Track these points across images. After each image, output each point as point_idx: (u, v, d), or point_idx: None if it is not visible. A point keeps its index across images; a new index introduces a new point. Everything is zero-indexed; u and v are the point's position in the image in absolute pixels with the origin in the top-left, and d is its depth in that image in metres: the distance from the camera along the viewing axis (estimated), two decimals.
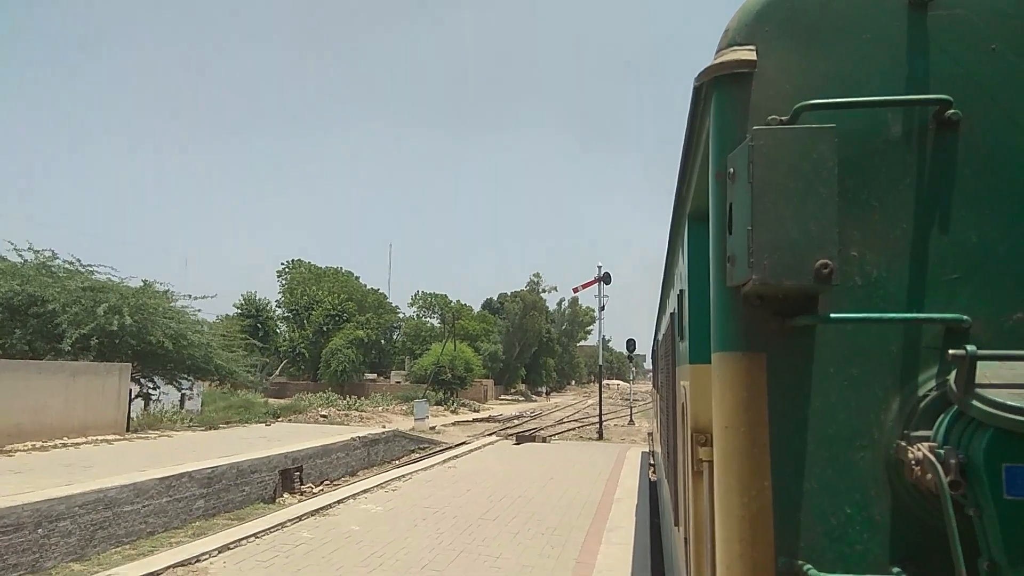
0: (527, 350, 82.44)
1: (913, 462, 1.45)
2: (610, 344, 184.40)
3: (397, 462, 21.67)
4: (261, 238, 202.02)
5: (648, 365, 61.61)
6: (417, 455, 23.23)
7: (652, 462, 18.71)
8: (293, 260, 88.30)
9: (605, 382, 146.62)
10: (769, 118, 1.61)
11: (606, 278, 30.66)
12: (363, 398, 57.30)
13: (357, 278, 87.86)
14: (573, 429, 35.95)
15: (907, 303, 1.59)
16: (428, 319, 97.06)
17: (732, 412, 1.62)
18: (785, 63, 1.66)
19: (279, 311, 78.58)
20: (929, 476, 1.39)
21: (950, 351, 1.48)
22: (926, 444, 1.46)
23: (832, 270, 1.43)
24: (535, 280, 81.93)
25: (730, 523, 1.61)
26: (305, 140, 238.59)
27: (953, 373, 1.48)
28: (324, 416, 39.50)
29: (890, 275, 1.61)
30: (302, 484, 15.79)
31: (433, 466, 17.42)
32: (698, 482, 2.56)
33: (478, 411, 54.92)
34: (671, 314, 4.42)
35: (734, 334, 1.64)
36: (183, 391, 40.45)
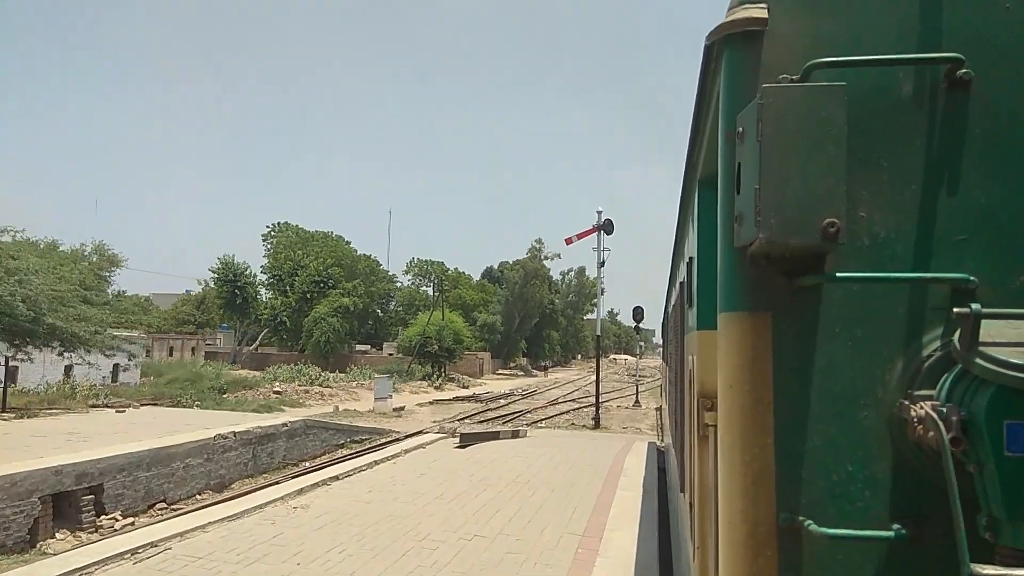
0: (527, 322, 76.66)
1: (915, 420, 1.46)
2: (618, 317, 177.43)
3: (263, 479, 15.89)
4: (254, 204, 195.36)
5: (658, 340, 57.12)
6: (325, 460, 17.50)
7: (664, 464, 12.96)
8: (279, 223, 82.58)
9: (612, 356, 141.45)
10: (780, 77, 1.57)
11: (607, 226, 24.65)
12: (341, 372, 52.07)
13: (348, 243, 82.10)
14: (566, 413, 30.23)
15: (914, 264, 1.60)
16: (424, 287, 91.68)
17: (736, 371, 1.64)
18: (796, 21, 1.65)
19: (263, 277, 73.04)
20: (931, 434, 1.40)
21: (955, 309, 1.47)
22: (928, 402, 1.46)
23: (839, 229, 1.43)
24: (536, 247, 75.74)
25: (732, 480, 1.63)
26: (302, 100, 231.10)
27: (957, 332, 1.48)
28: (278, 393, 34.07)
29: (898, 236, 1.61)
30: (99, 515, 10.20)
31: (271, 503, 10.19)
32: (704, 446, 2.67)
33: (467, 387, 49.47)
34: (681, 283, 4.48)
35: (740, 294, 1.65)
36: (116, 361, 35.23)
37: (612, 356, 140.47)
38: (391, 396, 28.12)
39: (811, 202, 1.43)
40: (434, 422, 23.58)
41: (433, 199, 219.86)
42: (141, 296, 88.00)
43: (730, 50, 1.70)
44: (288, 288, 70.42)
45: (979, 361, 1.38)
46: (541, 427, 24.31)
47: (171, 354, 60.91)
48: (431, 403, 33.64)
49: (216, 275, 67.14)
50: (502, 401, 35.63)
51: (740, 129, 1.58)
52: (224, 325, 71.98)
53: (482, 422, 24.20)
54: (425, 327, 51.59)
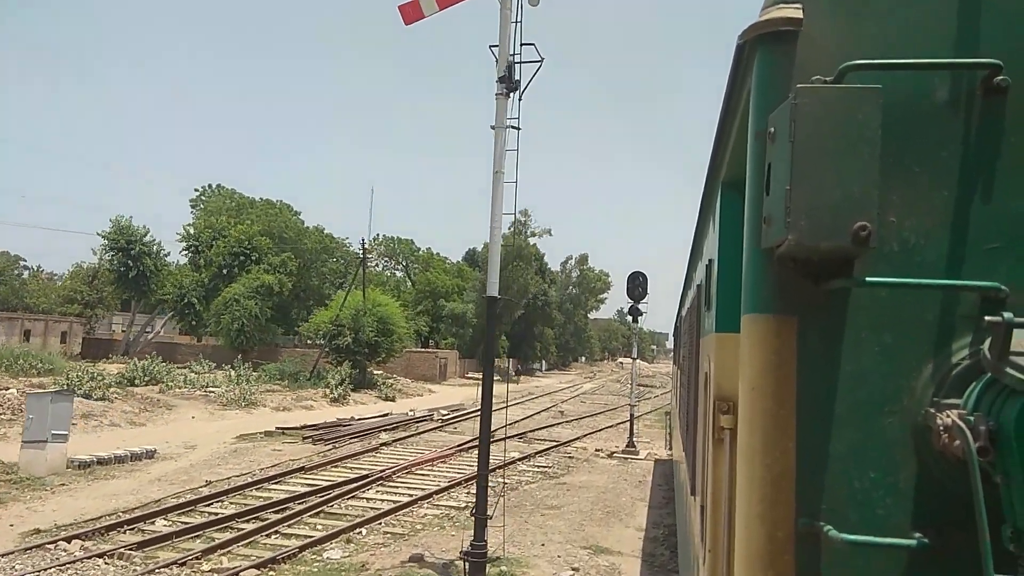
0: (509, 313, 61.07)
1: (941, 428, 1.44)
2: (627, 316, 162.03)
3: None
4: (227, 172, 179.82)
5: (670, 345, 46.26)
6: None
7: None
8: (211, 186, 67.94)
9: (619, 360, 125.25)
10: (813, 78, 1.55)
11: None
12: (261, 364, 37.02)
13: (296, 213, 67.14)
14: (456, 490, 14.63)
15: (945, 271, 1.57)
16: (392, 270, 76.44)
17: (760, 374, 1.61)
18: (831, 22, 1.64)
19: (181, 249, 58.15)
20: (957, 443, 1.37)
21: (987, 317, 1.45)
22: (955, 411, 1.44)
23: (871, 232, 1.39)
24: (522, 219, 60.09)
25: (752, 483, 1.61)
26: (282, 67, 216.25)
27: (988, 340, 1.46)
28: None
29: (928, 242, 1.58)
30: None
31: None
32: (719, 449, 2.61)
33: (391, 399, 34.19)
34: (698, 286, 4.44)
35: (766, 296, 1.63)
36: None
37: (619, 359, 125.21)
38: (65, 436, 12.65)
39: (843, 205, 1.40)
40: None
41: (420, 176, 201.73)
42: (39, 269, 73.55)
43: (763, 49, 1.69)
44: (204, 262, 55.51)
45: (1010, 371, 1.36)
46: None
47: (26, 339, 46.19)
48: (237, 438, 18.34)
49: (107, 242, 52.21)
50: (380, 437, 20.14)
51: (772, 129, 1.55)
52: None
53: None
54: (339, 311, 36.17)
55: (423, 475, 14.51)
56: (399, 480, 13.85)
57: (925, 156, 1.58)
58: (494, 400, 8.96)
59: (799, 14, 1.60)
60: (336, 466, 14.98)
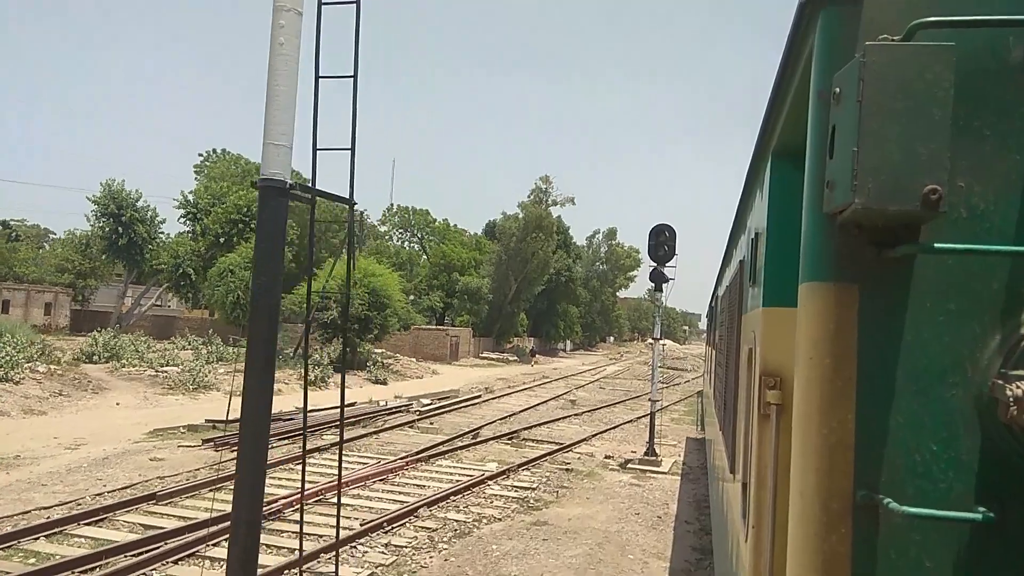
0: (528, 289, 56.52)
1: (1011, 400, 1.39)
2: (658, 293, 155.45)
3: None
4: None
5: (703, 326, 41.38)
6: None
7: None
8: (215, 150, 64.29)
9: (649, 340, 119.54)
10: (880, 36, 1.50)
11: None
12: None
13: (304, 180, 63.16)
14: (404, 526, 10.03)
15: (1014, 237, 1.53)
16: (408, 243, 72.14)
17: (818, 343, 1.58)
18: None
19: (180, 216, 54.66)
20: None
21: None
22: None
23: (941, 196, 1.35)
24: (541, 186, 55.11)
25: (807, 454, 1.58)
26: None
27: None
28: None
29: (997, 207, 1.54)
30: None
31: None
32: (764, 425, 2.56)
33: (384, 382, 30.16)
34: (740, 262, 4.38)
35: (827, 263, 1.59)
36: None
37: (649, 340, 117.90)
38: None
39: (912, 167, 1.36)
40: None
41: (445, 146, 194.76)
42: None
43: (828, 8, 1.63)
44: (202, 230, 51.97)
45: None
46: None
47: (4, 310, 43.13)
48: (149, 434, 14.27)
49: (97, 206, 48.80)
50: (323, 438, 15.82)
51: (837, 90, 1.49)
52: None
53: None
54: (326, 280, 31.99)
55: (323, 514, 9.32)
56: (277, 526, 9.23)
57: (997, 118, 1.53)
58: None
59: None
60: (201, 494, 10.26)
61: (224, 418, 8.73)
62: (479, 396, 25.35)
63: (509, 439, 16.74)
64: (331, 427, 16.09)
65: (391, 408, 19.76)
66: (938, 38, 1.42)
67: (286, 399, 20.58)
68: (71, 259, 52.00)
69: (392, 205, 69.17)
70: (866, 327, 1.53)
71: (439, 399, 23.14)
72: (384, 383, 29.84)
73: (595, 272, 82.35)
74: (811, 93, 1.66)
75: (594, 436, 17.92)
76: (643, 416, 19.66)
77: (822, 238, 1.57)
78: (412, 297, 58.55)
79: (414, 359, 46.94)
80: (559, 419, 20.82)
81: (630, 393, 30.28)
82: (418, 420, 18.61)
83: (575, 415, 22.06)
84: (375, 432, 16.65)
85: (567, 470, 13.63)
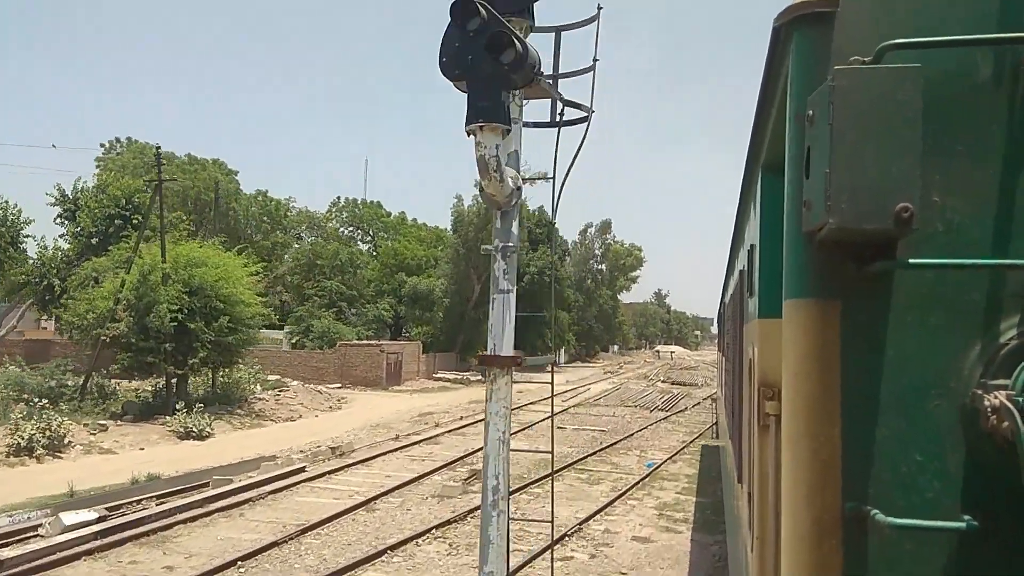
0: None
1: (989, 410, 1.42)
2: (667, 299, 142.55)
3: None
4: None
5: (715, 331, 36.26)
6: None
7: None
8: (119, 139, 53.52)
9: (656, 348, 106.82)
10: (851, 59, 1.52)
11: None
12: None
13: (233, 173, 52.16)
14: None
15: (990, 250, 1.54)
16: (363, 242, 60.57)
17: (803, 360, 1.60)
18: (868, 2, 1.61)
19: (60, 220, 43.68)
20: (1005, 424, 1.36)
21: None
22: (1003, 392, 1.42)
23: (913, 214, 1.38)
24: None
25: (797, 468, 1.60)
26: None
27: None
28: None
29: (973, 222, 1.56)
30: None
31: None
32: (764, 436, 2.57)
33: (201, 435, 18.55)
34: (740, 271, 4.37)
35: (808, 281, 1.61)
36: None
37: (657, 348, 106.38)
38: None
39: (884, 187, 1.38)
40: None
41: (417, 145, 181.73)
42: None
43: (800, 32, 1.67)
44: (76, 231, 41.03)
45: None
46: None
47: None
48: None
49: None
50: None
51: (810, 112, 1.52)
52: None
53: None
54: (121, 285, 20.61)
55: None
56: None
57: (968, 135, 1.55)
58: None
59: None
60: None
61: None
62: (301, 469, 13.85)
63: None
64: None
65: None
66: (906, 59, 1.44)
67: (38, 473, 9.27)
68: None
69: (339, 198, 57.90)
70: (849, 341, 1.55)
71: (193, 489, 11.55)
72: (202, 437, 18.19)
73: (590, 272, 70.58)
74: (787, 115, 1.70)
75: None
76: (598, 512, 8.06)
77: (803, 255, 1.60)
78: (354, 310, 47.14)
79: (339, 384, 35.42)
80: (405, 542, 9.13)
81: (600, 438, 18.58)
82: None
83: (462, 514, 10.37)
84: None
85: None
